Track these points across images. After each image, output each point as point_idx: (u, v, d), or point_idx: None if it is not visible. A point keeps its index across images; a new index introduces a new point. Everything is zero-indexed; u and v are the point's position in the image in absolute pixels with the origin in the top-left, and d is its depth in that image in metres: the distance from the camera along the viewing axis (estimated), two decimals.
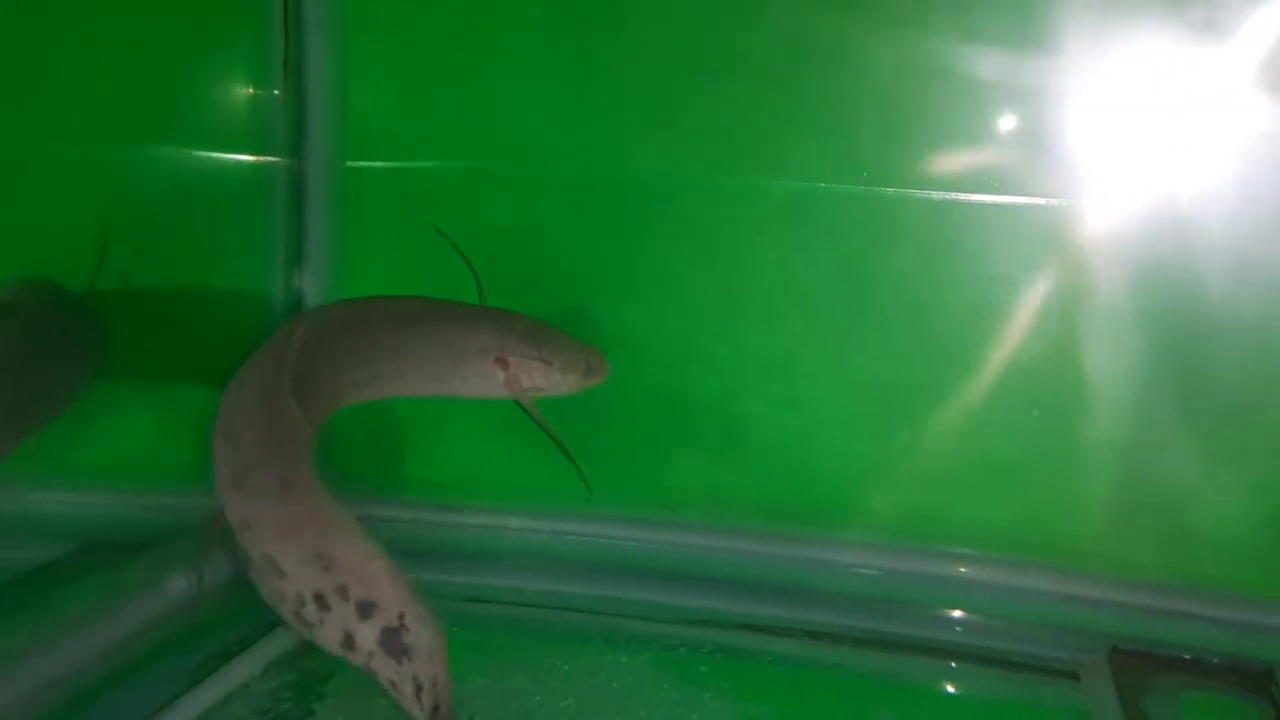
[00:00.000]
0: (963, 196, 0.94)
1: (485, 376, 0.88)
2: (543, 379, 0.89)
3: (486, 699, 0.74)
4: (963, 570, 0.94)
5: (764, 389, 0.99)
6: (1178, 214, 0.88)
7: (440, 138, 1.05)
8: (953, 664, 0.85)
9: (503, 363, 0.87)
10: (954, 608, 0.91)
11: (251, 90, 1.03)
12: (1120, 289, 0.91)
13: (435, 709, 0.64)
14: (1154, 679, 0.83)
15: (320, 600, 0.66)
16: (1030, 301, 0.93)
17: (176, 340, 0.98)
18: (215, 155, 1.01)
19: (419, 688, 0.64)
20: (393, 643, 0.65)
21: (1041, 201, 0.92)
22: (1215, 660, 0.85)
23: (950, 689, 0.82)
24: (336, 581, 0.65)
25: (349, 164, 1.06)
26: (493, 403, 1.04)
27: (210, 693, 0.76)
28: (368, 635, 0.65)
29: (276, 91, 1.03)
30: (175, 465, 0.97)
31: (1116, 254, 0.90)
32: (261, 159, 1.04)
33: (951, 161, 0.94)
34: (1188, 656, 0.85)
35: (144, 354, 0.98)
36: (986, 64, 0.92)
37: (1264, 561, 0.89)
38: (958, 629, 0.89)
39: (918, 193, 0.94)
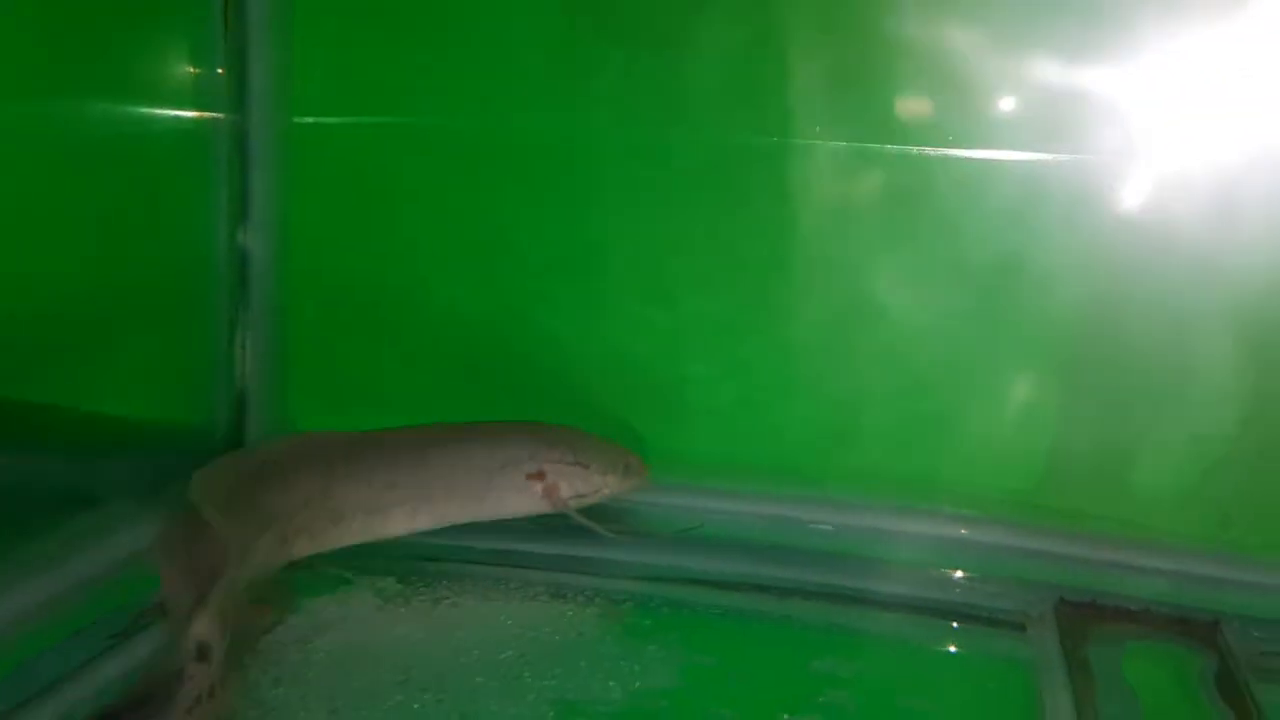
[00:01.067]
0: (890, 148, 0.93)
1: (521, 490, 0.86)
2: (583, 484, 0.87)
3: (424, 651, 0.73)
4: (910, 524, 0.94)
5: (704, 352, 0.99)
6: (1147, 171, 0.88)
7: (386, 93, 1.03)
8: (900, 616, 0.84)
9: (539, 475, 0.86)
10: (902, 562, 0.91)
11: (191, 46, 1.01)
12: (1059, 245, 0.91)
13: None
14: (1099, 629, 0.83)
15: None
16: (968, 258, 0.93)
17: (116, 299, 0.96)
18: (154, 112, 0.98)
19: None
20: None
21: (980, 154, 0.92)
22: (1162, 611, 0.85)
23: (897, 640, 0.82)
24: None
25: (294, 120, 1.05)
26: (449, 366, 1.05)
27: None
28: None
29: (217, 47, 1.01)
30: (116, 423, 0.95)
31: (1062, 211, 0.91)
32: (203, 115, 1.02)
33: (868, 113, 0.93)
34: (1135, 608, 0.85)
35: (85, 312, 0.97)
36: None
37: (1205, 514, 0.90)
38: (906, 582, 0.89)
39: (843, 144, 0.94)
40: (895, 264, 0.94)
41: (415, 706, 0.67)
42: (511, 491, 0.85)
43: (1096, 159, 0.89)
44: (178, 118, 1.00)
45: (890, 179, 0.94)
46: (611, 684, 0.71)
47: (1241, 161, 0.86)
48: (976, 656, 0.81)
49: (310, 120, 1.04)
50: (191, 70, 1.01)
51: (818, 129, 0.94)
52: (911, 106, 0.92)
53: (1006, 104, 0.90)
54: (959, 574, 0.90)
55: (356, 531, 0.81)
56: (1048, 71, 0.88)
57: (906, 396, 0.95)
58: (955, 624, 0.84)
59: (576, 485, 0.87)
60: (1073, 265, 0.90)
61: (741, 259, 0.97)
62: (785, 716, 0.68)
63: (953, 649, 0.82)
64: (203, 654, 0.60)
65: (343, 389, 1.06)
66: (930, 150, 0.91)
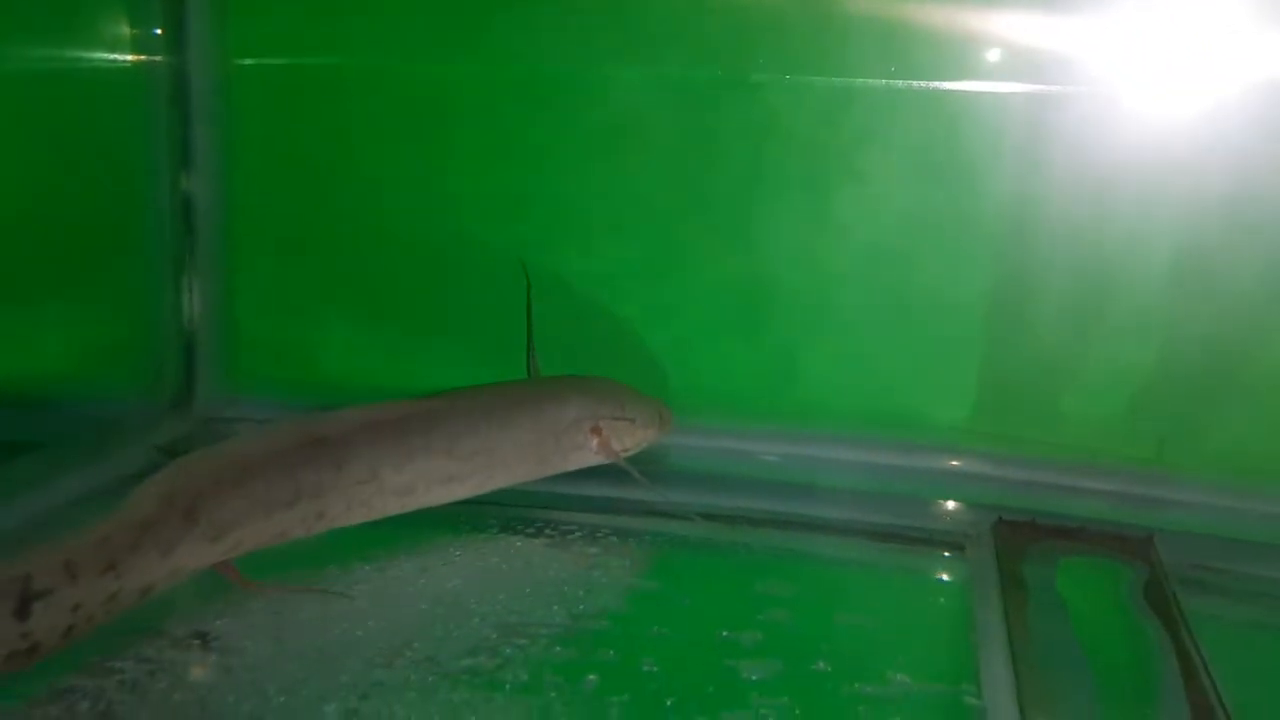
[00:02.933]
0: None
1: (581, 447, 0.87)
2: (629, 439, 0.89)
3: (370, 582, 0.74)
4: (853, 453, 0.96)
5: (634, 295, 1.00)
6: (1082, 106, 0.89)
7: (327, 33, 1.02)
8: (844, 540, 0.86)
9: (596, 431, 0.87)
10: (847, 488, 0.93)
11: None
12: (982, 181, 0.92)
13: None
14: (1035, 547, 0.85)
15: None
16: (889, 198, 0.94)
17: (55, 247, 0.95)
18: (89, 55, 0.97)
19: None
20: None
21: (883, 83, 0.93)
22: (1099, 529, 0.87)
23: (839, 563, 0.84)
24: None
25: (234, 62, 1.04)
26: (398, 306, 1.05)
27: None
28: None
29: None
30: (59, 370, 0.95)
31: (988, 147, 0.92)
32: (140, 58, 1.01)
33: (789, 49, 0.94)
34: (1072, 526, 0.87)
35: (24, 259, 0.96)
36: None
37: (1141, 436, 0.92)
38: (850, 508, 0.90)
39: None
40: (818, 206, 0.95)
41: (359, 634, 0.68)
42: (575, 449, 0.86)
43: (1027, 92, 0.90)
44: (113, 61, 0.99)
45: (810, 117, 0.94)
46: (555, 608, 0.72)
47: (1177, 95, 0.87)
48: (915, 576, 0.83)
49: (251, 62, 1.03)
50: (126, 11, 0.99)
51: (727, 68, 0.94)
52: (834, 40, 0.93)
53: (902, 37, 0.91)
54: (901, 498, 0.92)
55: (421, 501, 0.80)
56: None
57: (838, 333, 0.96)
58: (896, 545, 0.86)
59: (625, 440, 0.88)
60: (999, 198, 0.91)
61: (660, 205, 0.98)
62: (723, 633, 0.70)
63: (893, 569, 0.84)
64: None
65: (293, 334, 1.06)
66: (840, 81, 0.92)
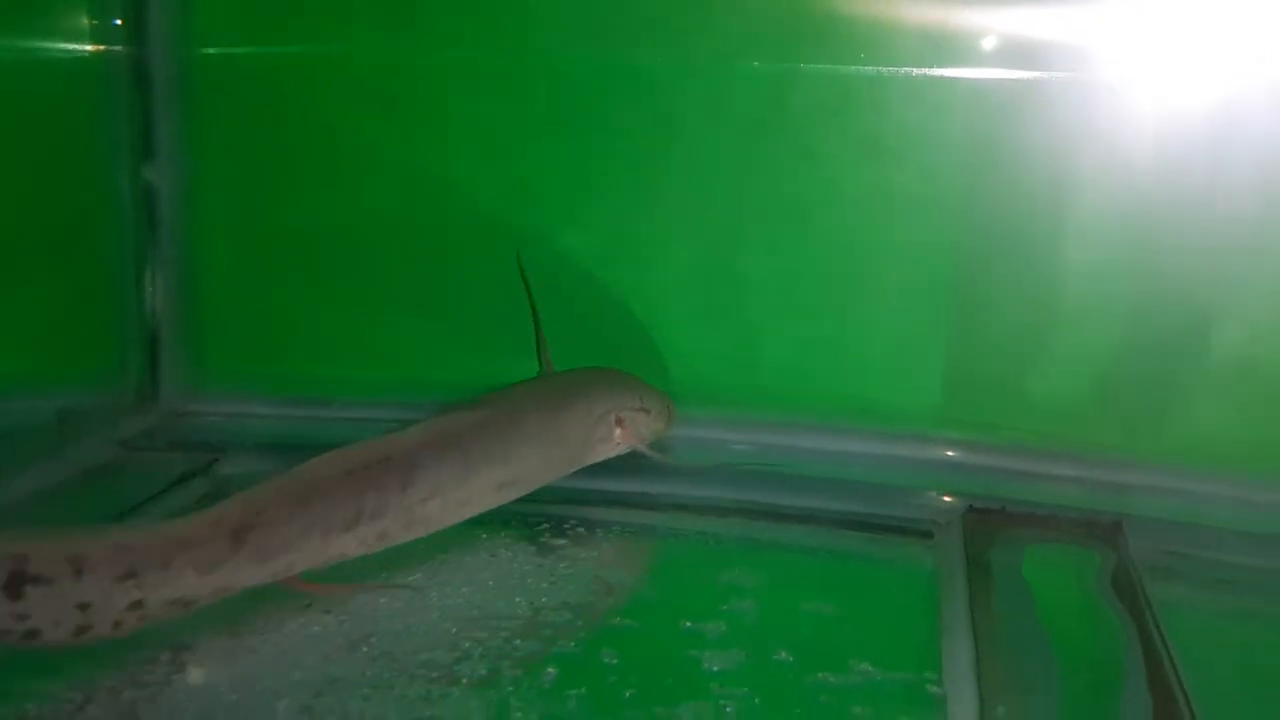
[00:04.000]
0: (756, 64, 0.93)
1: (606, 439, 0.87)
2: (645, 429, 0.90)
3: (325, 578, 0.73)
4: (827, 442, 0.96)
5: (599, 282, 1.00)
6: (1043, 94, 0.89)
7: (293, 22, 1.01)
8: (813, 529, 0.86)
9: (620, 421, 0.87)
10: (819, 477, 0.92)
11: None
12: (949, 170, 0.92)
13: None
14: (1004, 534, 0.84)
15: None
16: (850, 184, 0.93)
17: (14, 237, 0.94)
18: (47, 45, 0.96)
19: None
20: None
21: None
22: (1068, 515, 0.87)
23: (807, 551, 0.83)
24: None
25: (198, 52, 1.02)
26: (364, 298, 1.04)
27: None
28: None
29: None
30: (20, 362, 0.94)
31: (962, 136, 0.91)
32: (99, 48, 0.99)
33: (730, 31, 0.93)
34: (1042, 513, 0.87)
35: None
36: None
37: (1104, 422, 0.92)
38: (821, 496, 0.90)
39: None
40: (775, 190, 0.94)
41: (315, 629, 0.67)
42: (601, 441, 0.87)
43: (986, 78, 0.90)
44: (72, 52, 0.98)
45: (761, 100, 0.94)
46: (518, 599, 0.71)
47: (1138, 79, 0.87)
48: (883, 564, 0.83)
49: (215, 52, 1.02)
50: (86, 4, 0.98)
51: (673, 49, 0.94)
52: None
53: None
54: (869, 486, 0.91)
55: (476, 509, 0.79)
56: None
57: (803, 320, 0.96)
58: (864, 534, 0.85)
59: (641, 430, 0.89)
60: (958, 183, 0.91)
61: (614, 189, 0.98)
62: (686, 624, 0.69)
63: (861, 558, 0.83)
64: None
65: (257, 326, 1.05)
66: (788, 66, 0.92)
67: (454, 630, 0.67)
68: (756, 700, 0.61)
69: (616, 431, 0.87)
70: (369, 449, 0.74)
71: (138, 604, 0.63)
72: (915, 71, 0.90)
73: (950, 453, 0.95)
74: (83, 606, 0.61)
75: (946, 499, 0.89)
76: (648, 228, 0.98)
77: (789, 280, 0.96)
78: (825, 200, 0.93)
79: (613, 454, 0.89)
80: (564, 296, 1.00)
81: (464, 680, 0.62)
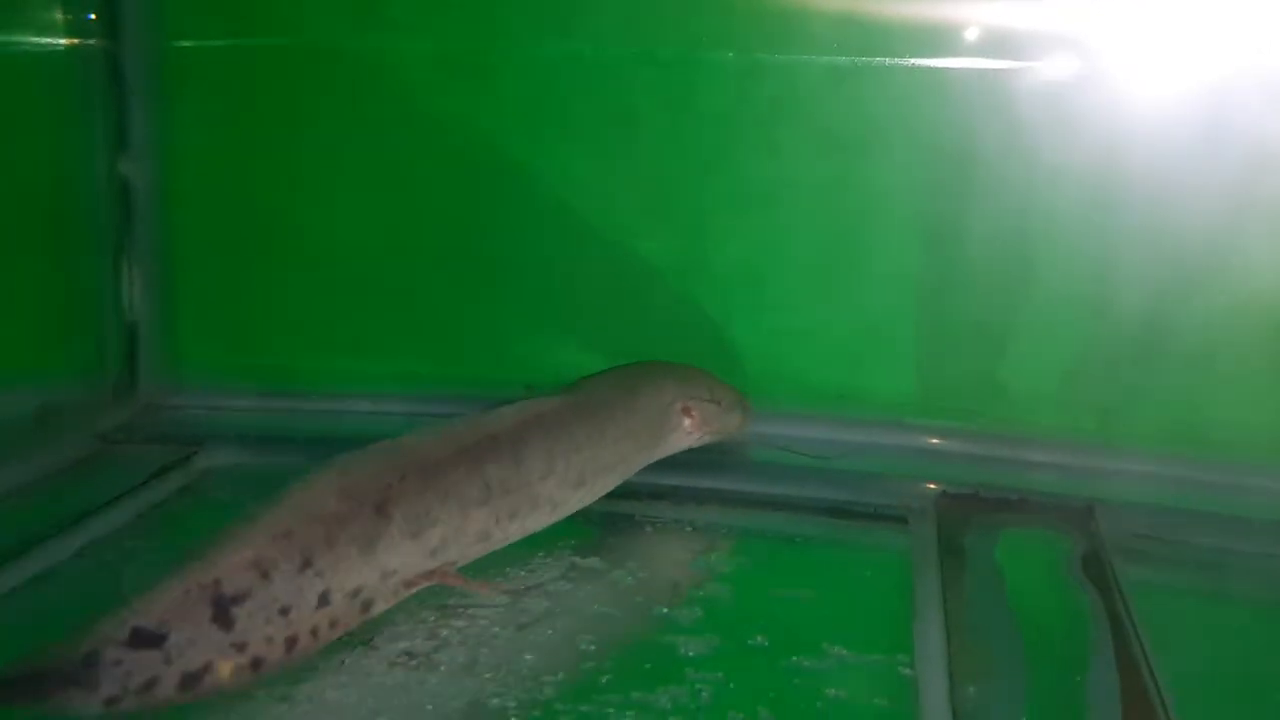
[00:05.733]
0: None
1: (676, 429, 0.87)
2: (717, 422, 0.89)
3: None
4: (801, 428, 0.96)
5: (568, 275, 1.00)
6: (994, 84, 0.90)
7: (266, 13, 1.01)
8: (790, 515, 0.86)
9: (687, 410, 0.87)
10: (795, 464, 0.93)
11: None
12: (904, 161, 0.93)
13: None
14: (978, 519, 0.85)
15: None
16: (813, 177, 0.94)
17: None
18: (20, 40, 0.96)
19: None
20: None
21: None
22: (1041, 500, 0.88)
23: (783, 538, 0.84)
24: None
25: (171, 44, 1.02)
26: (341, 289, 1.04)
27: None
28: None
29: None
30: None
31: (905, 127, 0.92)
32: (73, 42, 0.99)
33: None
34: (1015, 498, 0.88)
35: None
36: None
37: (1084, 409, 0.93)
38: (797, 484, 0.90)
39: None
40: (739, 181, 0.95)
41: None
42: (672, 431, 0.87)
43: (948, 67, 0.90)
44: (47, 46, 0.97)
45: (722, 92, 0.94)
46: None
47: (1099, 68, 0.88)
48: (858, 549, 0.84)
49: (188, 44, 1.02)
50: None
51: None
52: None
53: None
54: (847, 473, 0.92)
55: (591, 495, 0.80)
56: None
57: (773, 310, 0.97)
58: (840, 520, 0.86)
59: (713, 423, 0.89)
60: (923, 172, 0.92)
61: (580, 181, 0.98)
62: (663, 610, 0.70)
63: (837, 543, 0.84)
64: (143, 641, 0.56)
65: (234, 319, 1.05)
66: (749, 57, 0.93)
67: (432, 619, 0.68)
68: (731, 685, 0.62)
69: (686, 421, 0.87)
70: (468, 426, 0.73)
71: (323, 597, 0.61)
72: (879, 61, 0.91)
73: (925, 439, 0.95)
74: (284, 611, 0.60)
75: (921, 485, 0.89)
76: (616, 218, 0.98)
77: (760, 270, 0.96)
78: (792, 191, 0.94)
79: (686, 445, 0.89)
80: (531, 288, 1.01)
81: (442, 668, 0.63)
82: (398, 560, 0.65)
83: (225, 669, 0.58)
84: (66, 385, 1.00)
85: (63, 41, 0.98)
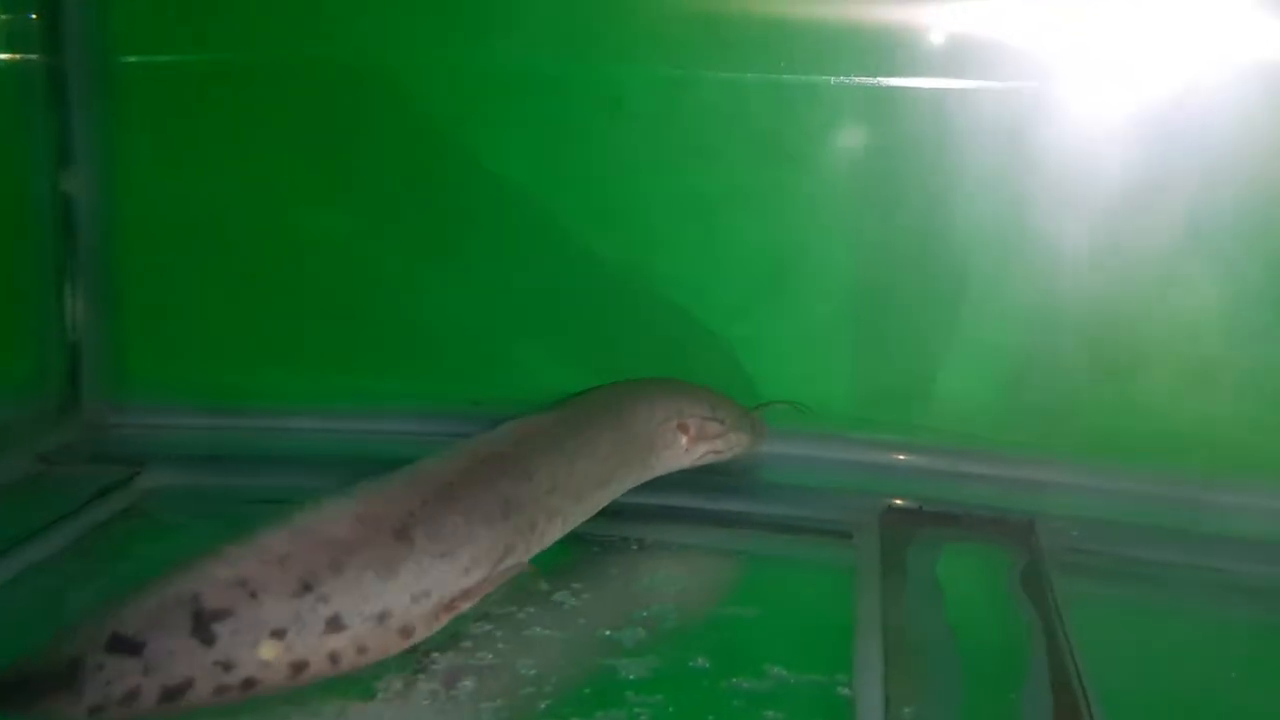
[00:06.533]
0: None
1: (671, 446, 0.86)
2: (720, 440, 0.88)
3: None
4: None
5: (511, 283, 1.00)
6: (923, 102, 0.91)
7: (212, 29, 1.00)
8: (734, 531, 0.87)
9: (684, 428, 0.87)
10: (738, 479, 0.93)
11: None
12: (845, 172, 0.94)
13: None
14: (921, 533, 0.86)
15: None
16: (751, 186, 0.95)
17: None
18: None
19: None
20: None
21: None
22: (983, 514, 0.89)
23: (727, 554, 0.85)
24: None
25: (118, 59, 1.01)
26: (288, 306, 1.04)
27: None
28: None
29: None
30: None
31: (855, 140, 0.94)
32: (14, 57, 0.98)
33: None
34: (958, 512, 0.89)
35: None
36: None
37: (1013, 420, 0.94)
38: (742, 499, 0.91)
39: None
40: (675, 191, 0.96)
41: None
42: (665, 448, 0.86)
43: (879, 85, 0.91)
44: None
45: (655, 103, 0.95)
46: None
47: (1035, 82, 0.90)
48: (802, 565, 0.84)
49: (135, 59, 1.01)
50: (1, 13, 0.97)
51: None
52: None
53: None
54: (792, 488, 0.93)
55: (592, 508, 0.80)
56: None
57: (717, 319, 0.97)
58: (785, 536, 0.87)
59: (715, 442, 0.88)
60: (859, 183, 0.93)
61: (518, 190, 0.98)
62: (606, 632, 0.70)
63: (781, 560, 0.85)
64: (121, 647, 0.56)
65: (180, 336, 1.04)
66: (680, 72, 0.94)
67: None
68: (670, 708, 0.63)
69: (682, 439, 0.87)
70: (474, 447, 0.73)
71: (336, 623, 0.61)
72: (816, 78, 0.92)
73: (869, 454, 0.96)
74: (278, 633, 0.59)
75: (866, 500, 0.90)
76: (557, 226, 0.99)
77: (698, 280, 0.97)
78: (726, 200, 0.95)
79: (686, 463, 0.88)
80: (474, 301, 1.01)
81: (379, 695, 0.63)
82: (429, 582, 0.66)
83: (268, 652, 0.59)
84: (7, 404, 0.99)
85: (4, 56, 0.98)
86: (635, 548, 0.84)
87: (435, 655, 0.67)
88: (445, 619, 0.67)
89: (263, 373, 1.03)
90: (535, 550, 0.75)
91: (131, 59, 1.01)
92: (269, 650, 0.59)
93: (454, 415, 1.01)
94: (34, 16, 0.98)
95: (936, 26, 0.90)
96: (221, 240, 1.02)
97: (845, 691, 0.64)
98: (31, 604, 0.75)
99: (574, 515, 0.78)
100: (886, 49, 0.90)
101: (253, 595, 0.59)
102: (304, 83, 1.00)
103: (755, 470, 0.93)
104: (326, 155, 1.01)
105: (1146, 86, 0.88)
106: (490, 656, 0.67)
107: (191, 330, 1.04)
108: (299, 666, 0.61)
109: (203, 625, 0.57)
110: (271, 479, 0.93)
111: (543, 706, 0.62)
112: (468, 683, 0.64)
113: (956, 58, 0.90)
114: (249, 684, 0.59)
